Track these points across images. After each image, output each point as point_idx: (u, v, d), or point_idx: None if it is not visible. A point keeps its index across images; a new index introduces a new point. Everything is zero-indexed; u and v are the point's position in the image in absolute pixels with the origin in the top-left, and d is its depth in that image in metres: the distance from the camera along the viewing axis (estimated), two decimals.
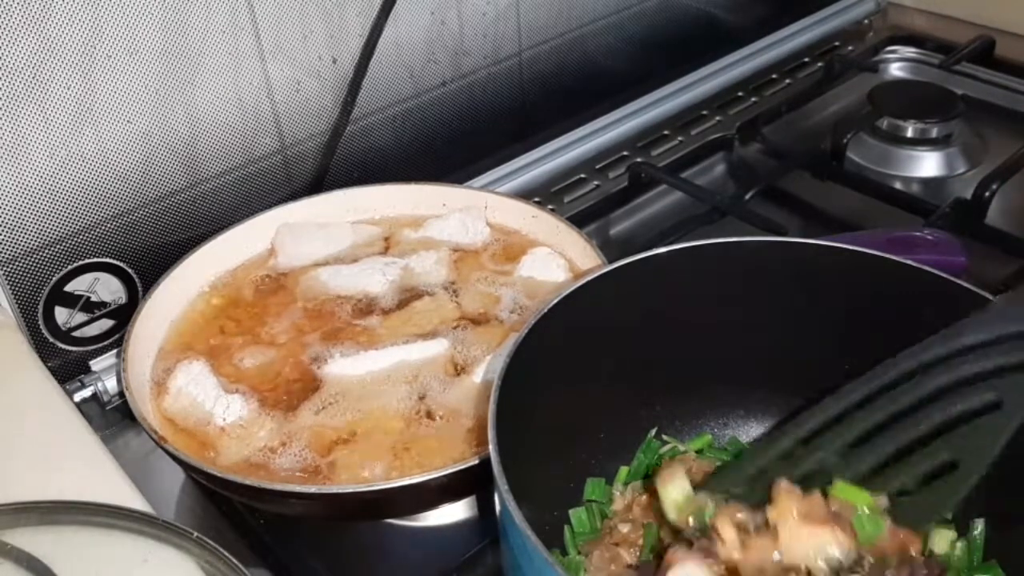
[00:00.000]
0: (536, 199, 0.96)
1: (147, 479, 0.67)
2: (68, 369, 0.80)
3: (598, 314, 0.59)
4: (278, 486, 0.60)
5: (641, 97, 1.12)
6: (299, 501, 0.61)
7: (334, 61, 0.89)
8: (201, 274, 0.80)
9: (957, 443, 0.49)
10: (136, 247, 0.81)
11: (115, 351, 0.80)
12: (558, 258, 0.79)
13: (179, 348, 0.74)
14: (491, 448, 0.48)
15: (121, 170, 0.78)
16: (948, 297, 0.55)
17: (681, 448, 0.65)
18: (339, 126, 0.91)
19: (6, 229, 0.73)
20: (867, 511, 0.49)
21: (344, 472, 0.64)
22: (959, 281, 0.56)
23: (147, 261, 0.82)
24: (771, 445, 0.54)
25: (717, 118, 1.12)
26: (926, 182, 1.03)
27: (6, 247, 0.74)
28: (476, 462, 0.59)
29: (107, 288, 0.80)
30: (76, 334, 0.80)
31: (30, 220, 0.74)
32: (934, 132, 1.05)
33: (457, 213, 0.85)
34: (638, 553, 0.58)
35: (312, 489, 0.60)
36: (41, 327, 0.77)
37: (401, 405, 0.69)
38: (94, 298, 0.80)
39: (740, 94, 1.17)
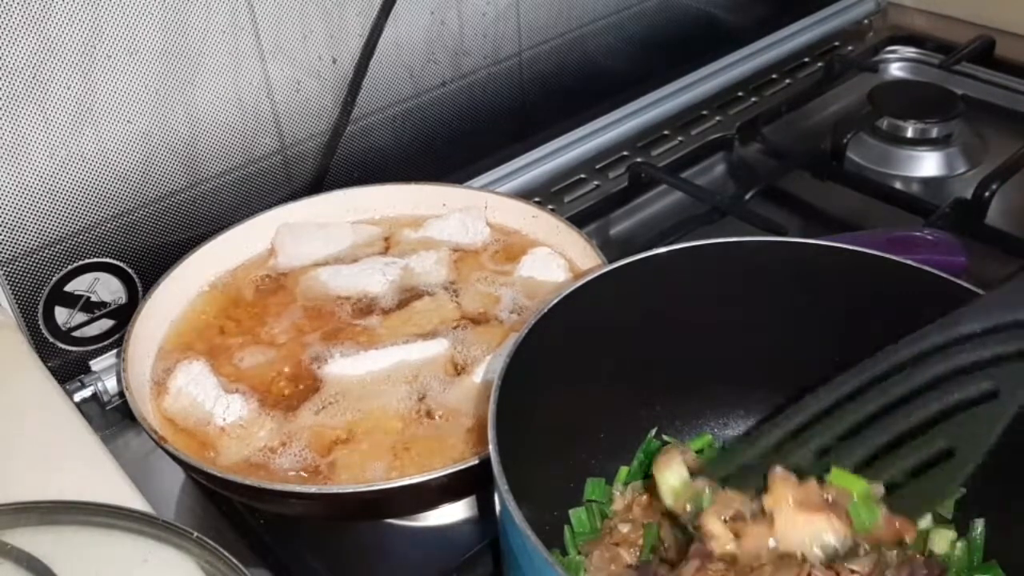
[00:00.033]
0: (536, 199, 0.96)
1: (147, 479, 0.67)
2: (68, 369, 0.80)
3: (598, 314, 0.59)
4: (278, 486, 0.60)
5: (641, 97, 1.12)
6: (299, 501, 0.61)
7: (334, 61, 0.89)
8: (201, 274, 0.80)
9: (953, 431, 0.49)
10: (136, 247, 0.81)
11: (115, 351, 0.80)
12: (558, 258, 0.79)
13: (179, 348, 0.74)
14: (491, 448, 0.48)
15: (121, 170, 0.78)
16: (948, 297, 0.55)
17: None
18: (339, 126, 0.91)
19: (6, 229, 0.73)
20: (863, 499, 0.49)
21: (344, 472, 0.64)
22: (959, 281, 0.56)
23: (147, 261, 0.82)
24: (768, 432, 0.53)
25: (717, 118, 1.12)
26: (926, 182, 1.03)
27: (6, 247, 0.74)
28: (476, 462, 0.59)
29: (107, 288, 0.80)
30: (76, 334, 0.80)
31: (30, 220, 0.74)
32: (934, 132, 1.05)
33: (457, 213, 0.85)
34: (638, 553, 0.58)
35: (312, 489, 0.60)
36: (41, 327, 0.77)
37: (401, 405, 0.69)
38: (94, 298, 0.80)
39: (740, 94, 1.17)
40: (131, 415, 0.65)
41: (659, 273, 0.61)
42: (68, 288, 0.78)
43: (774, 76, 1.20)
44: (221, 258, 0.81)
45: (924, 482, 0.50)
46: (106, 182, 0.78)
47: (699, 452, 0.65)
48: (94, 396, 0.78)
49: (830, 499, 0.49)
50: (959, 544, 0.56)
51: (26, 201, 0.74)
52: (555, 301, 0.57)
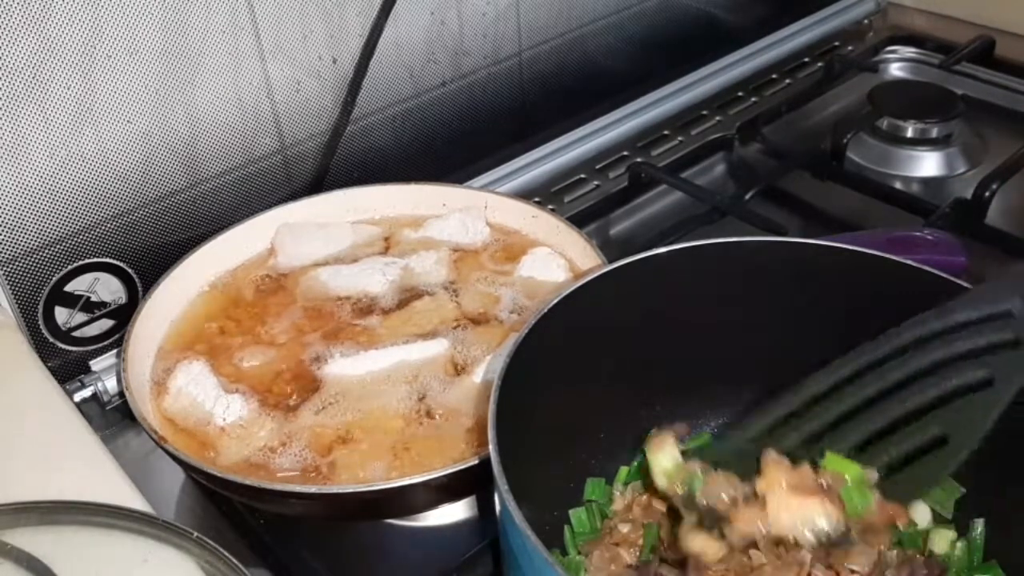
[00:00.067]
0: (536, 199, 0.96)
1: (147, 479, 0.67)
2: (68, 369, 0.80)
3: (598, 314, 0.59)
4: (278, 486, 0.60)
5: (641, 97, 1.12)
6: (299, 501, 0.61)
7: (334, 61, 0.89)
8: (201, 274, 0.80)
9: (947, 418, 0.49)
10: (136, 247, 0.81)
11: (115, 351, 0.80)
12: (558, 258, 0.79)
13: (179, 348, 0.74)
14: (491, 448, 0.48)
15: (121, 170, 0.78)
16: (948, 297, 0.55)
17: (681, 448, 0.64)
18: (339, 126, 0.91)
19: (6, 229, 0.73)
20: (856, 483, 0.49)
21: (344, 472, 0.64)
22: (959, 281, 0.56)
23: (147, 261, 0.82)
24: (763, 416, 0.54)
25: (717, 118, 1.12)
26: (926, 182, 1.03)
27: (6, 247, 0.74)
28: (476, 462, 0.59)
29: (107, 288, 0.80)
30: (76, 334, 0.80)
31: (30, 220, 0.74)
32: (934, 132, 1.05)
33: (457, 213, 0.85)
34: (638, 553, 0.58)
35: (312, 489, 0.60)
36: (41, 327, 0.77)
37: (401, 405, 0.69)
38: (94, 298, 0.80)
39: (740, 94, 1.17)
40: (131, 415, 0.65)
41: (659, 273, 0.61)
42: (68, 288, 0.78)
43: (774, 76, 1.20)
44: (221, 258, 0.81)
45: (917, 468, 0.50)
46: (106, 182, 0.78)
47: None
48: (94, 396, 0.78)
49: (824, 484, 0.49)
50: (959, 544, 0.56)
51: (26, 201, 0.74)
52: (555, 301, 0.57)
